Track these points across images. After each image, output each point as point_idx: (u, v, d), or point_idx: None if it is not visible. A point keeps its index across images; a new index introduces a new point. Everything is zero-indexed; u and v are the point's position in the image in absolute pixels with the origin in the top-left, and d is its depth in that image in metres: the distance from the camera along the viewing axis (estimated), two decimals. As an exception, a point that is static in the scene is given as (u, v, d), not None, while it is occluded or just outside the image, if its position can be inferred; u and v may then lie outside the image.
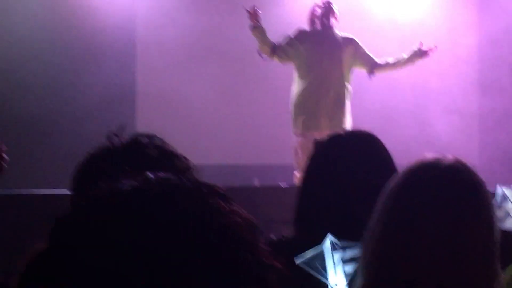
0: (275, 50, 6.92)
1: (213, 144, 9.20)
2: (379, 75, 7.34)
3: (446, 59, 9.41)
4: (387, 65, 7.15)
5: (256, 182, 7.86)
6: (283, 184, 6.89)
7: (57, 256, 0.90)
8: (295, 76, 7.03)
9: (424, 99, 9.58)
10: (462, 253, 1.63)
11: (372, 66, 7.09)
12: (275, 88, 9.05)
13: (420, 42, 7.05)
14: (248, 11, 6.85)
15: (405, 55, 7.10)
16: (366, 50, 7.15)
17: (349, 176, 2.02)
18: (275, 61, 7.09)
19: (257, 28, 6.85)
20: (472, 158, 9.36)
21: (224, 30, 9.37)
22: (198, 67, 9.32)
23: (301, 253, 1.90)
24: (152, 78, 9.37)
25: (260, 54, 7.05)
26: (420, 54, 7.02)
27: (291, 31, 7.11)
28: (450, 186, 1.67)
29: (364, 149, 2.10)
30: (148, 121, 8.89)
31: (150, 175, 0.93)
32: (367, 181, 1.92)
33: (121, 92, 9.23)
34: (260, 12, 6.84)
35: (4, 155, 1.72)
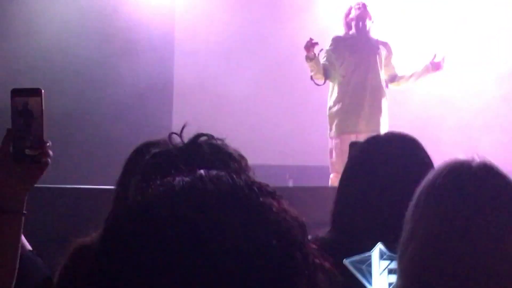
0: (327, 76, 6.94)
1: (248, 143, 9.18)
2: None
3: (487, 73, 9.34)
4: (403, 78, 7.12)
5: (291, 183, 7.87)
6: (318, 185, 6.89)
7: (112, 249, 0.92)
8: (332, 78, 7.04)
9: (466, 114, 9.44)
10: (505, 253, 1.63)
11: (392, 78, 7.10)
12: (311, 88, 9.02)
13: (434, 54, 6.98)
14: (307, 43, 6.80)
15: (419, 70, 7.04)
16: (393, 60, 7.17)
17: (388, 178, 2.01)
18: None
19: (313, 60, 6.83)
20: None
21: (261, 27, 9.41)
22: (235, 64, 9.35)
23: (338, 254, 1.91)
24: (190, 72, 9.40)
25: (314, 82, 7.04)
26: (433, 67, 6.95)
27: (329, 43, 7.07)
28: (481, 187, 1.68)
29: (403, 151, 2.09)
30: (184, 116, 8.90)
31: (202, 172, 0.95)
32: (406, 183, 1.92)
33: (159, 87, 9.29)
34: (317, 43, 6.80)
35: (49, 151, 1.76)
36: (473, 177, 1.70)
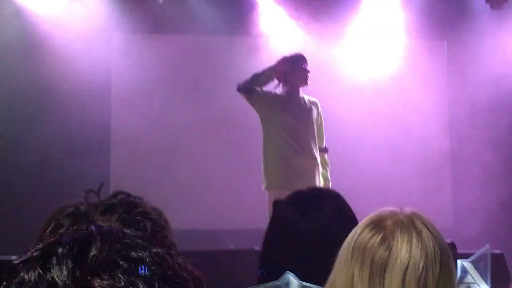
0: (253, 92, 6.91)
1: (188, 208, 9.19)
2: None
3: (418, 119, 9.59)
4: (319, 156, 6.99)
5: (232, 246, 7.84)
6: (257, 248, 6.86)
7: None
8: (265, 134, 6.98)
9: (398, 158, 9.67)
10: None
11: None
12: (251, 151, 9.11)
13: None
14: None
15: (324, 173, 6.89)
16: (322, 125, 7.11)
17: (310, 232, 2.01)
18: (248, 101, 7.05)
19: (270, 75, 6.89)
20: (446, 217, 9.47)
21: (201, 84, 9.52)
22: (172, 123, 9.40)
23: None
24: (126, 130, 9.41)
25: (243, 87, 6.98)
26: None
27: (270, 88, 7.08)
28: None
29: (326, 206, 2.10)
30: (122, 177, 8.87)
31: (92, 227, 0.95)
32: (328, 237, 1.93)
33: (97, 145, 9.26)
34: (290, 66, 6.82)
35: None
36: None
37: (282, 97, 6.98)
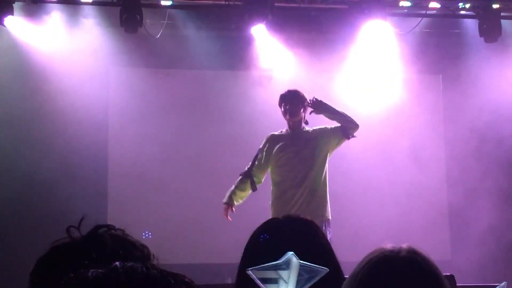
0: (246, 175, 6.99)
1: (185, 242, 9.17)
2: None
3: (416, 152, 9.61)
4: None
5: (229, 280, 7.80)
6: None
7: None
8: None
9: (395, 192, 9.68)
10: None
11: (342, 130, 6.90)
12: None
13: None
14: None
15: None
16: (328, 126, 7.02)
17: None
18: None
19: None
20: (444, 251, 9.45)
21: (197, 116, 9.56)
22: (169, 154, 9.42)
23: None
24: (123, 160, 9.42)
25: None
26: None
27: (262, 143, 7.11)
28: (406, 277, 1.70)
29: (300, 234, 2.10)
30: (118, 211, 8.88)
31: (117, 263, 0.95)
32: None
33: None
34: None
35: None
36: (398, 268, 1.72)
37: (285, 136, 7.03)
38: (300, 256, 1.99)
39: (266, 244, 2.07)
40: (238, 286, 2.05)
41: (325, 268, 1.93)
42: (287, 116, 7.01)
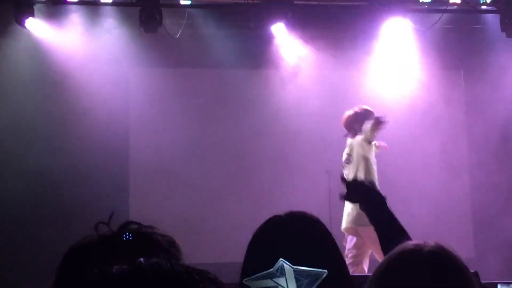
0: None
1: (201, 241, 9.18)
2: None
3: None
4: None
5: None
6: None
7: None
8: None
9: (417, 190, 9.63)
10: None
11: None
12: (267, 182, 9.13)
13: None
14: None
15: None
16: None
17: (286, 258, 2.00)
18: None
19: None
20: (468, 251, 9.38)
21: (218, 115, 9.58)
22: (190, 155, 9.44)
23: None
24: (144, 162, 9.47)
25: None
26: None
27: None
28: (432, 271, 1.68)
29: (302, 230, 2.09)
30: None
31: (142, 260, 0.94)
32: (303, 262, 1.93)
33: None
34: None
35: None
36: (422, 263, 1.71)
37: None
38: (302, 254, 1.98)
39: (268, 244, 2.07)
40: (241, 286, 2.06)
41: (324, 270, 1.91)
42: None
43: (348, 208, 7.32)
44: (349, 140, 7.49)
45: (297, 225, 2.11)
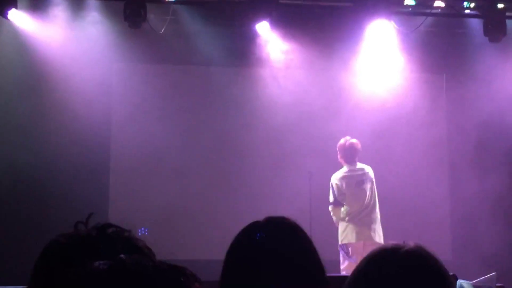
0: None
1: (196, 237, 9.17)
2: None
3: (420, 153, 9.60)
4: None
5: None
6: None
7: None
8: None
9: (397, 193, 9.67)
10: None
11: None
12: (256, 177, 9.13)
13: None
14: None
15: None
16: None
17: (264, 261, 2.01)
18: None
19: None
20: (445, 253, 9.44)
21: (200, 112, 9.57)
22: (171, 150, 9.41)
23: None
24: (126, 156, 9.44)
25: None
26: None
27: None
28: (410, 270, 1.70)
29: (280, 235, 2.10)
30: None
31: (123, 256, 0.94)
32: (281, 267, 1.95)
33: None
34: None
35: None
36: (401, 263, 1.72)
37: None
38: (280, 257, 1.99)
39: (247, 248, 2.07)
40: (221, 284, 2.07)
41: None
42: None
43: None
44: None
45: (273, 229, 2.11)
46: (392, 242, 1.82)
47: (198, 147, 9.57)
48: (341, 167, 7.96)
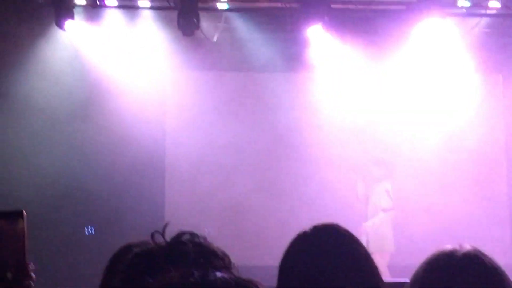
0: None
1: (256, 244, 9.21)
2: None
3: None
4: None
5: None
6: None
7: None
8: None
9: (452, 190, 9.56)
10: None
11: None
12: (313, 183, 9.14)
13: None
14: None
15: None
16: None
17: (319, 271, 1.98)
18: None
19: None
20: (506, 250, 9.27)
21: (255, 118, 9.63)
22: (226, 157, 9.47)
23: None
24: (181, 164, 9.54)
25: None
26: None
27: None
28: (468, 274, 1.69)
29: (328, 243, 2.06)
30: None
31: (193, 271, 0.97)
32: (337, 275, 1.92)
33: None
34: None
35: (32, 274, 1.75)
36: (457, 267, 1.71)
37: None
38: (336, 266, 1.97)
39: (303, 255, 2.06)
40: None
41: None
42: None
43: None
44: None
45: (325, 242, 2.08)
46: (448, 245, 1.81)
47: (253, 152, 9.59)
48: None
